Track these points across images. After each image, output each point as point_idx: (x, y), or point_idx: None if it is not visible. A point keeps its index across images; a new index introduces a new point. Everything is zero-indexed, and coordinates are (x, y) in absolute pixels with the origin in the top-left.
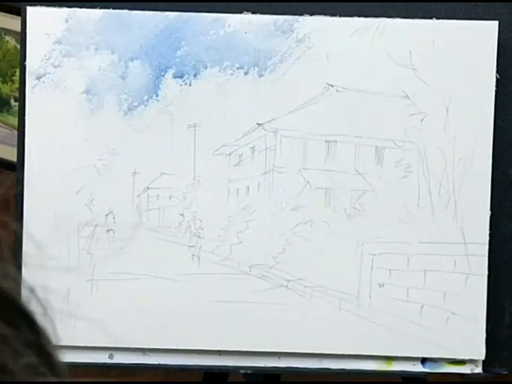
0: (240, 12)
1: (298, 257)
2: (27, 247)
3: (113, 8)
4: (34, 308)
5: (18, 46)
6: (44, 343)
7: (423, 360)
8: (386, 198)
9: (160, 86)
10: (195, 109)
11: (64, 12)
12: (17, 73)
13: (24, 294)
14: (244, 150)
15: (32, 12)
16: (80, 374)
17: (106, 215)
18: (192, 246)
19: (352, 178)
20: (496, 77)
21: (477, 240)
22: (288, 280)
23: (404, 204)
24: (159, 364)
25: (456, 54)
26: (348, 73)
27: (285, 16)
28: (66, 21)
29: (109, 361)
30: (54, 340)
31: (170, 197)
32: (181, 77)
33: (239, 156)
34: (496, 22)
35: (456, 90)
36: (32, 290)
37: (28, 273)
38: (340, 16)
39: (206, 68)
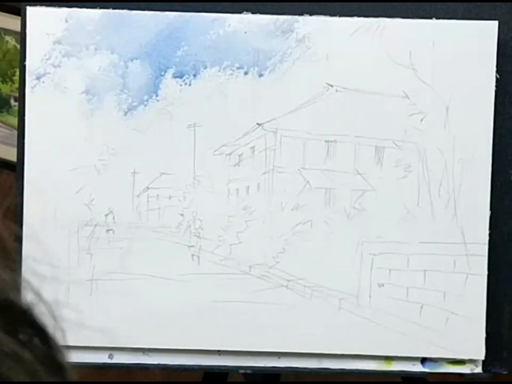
0: (240, 12)
1: (298, 257)
2: (27, 250)
3: (113, 8)
4: (43, 315)
5: (18, 46)
6: (56, 355)
7: (423, 360)
8: (386, 198)
9: (160, 86)
10: (195, 109)
11: (64, 12)
12: (17, 73)
13: (31, 299)
14: (244, 150)
15: (32, 11)
16: (80, 374)
17: (106, 215)
18: (192, 246)
19: (352, 178)
20: (496, 77)
21: (476, 240)
22: (288, 280)
23: (404, 204)
24: (159, 364)
25: (456, 54)
26: (347, 73)
27: (285, 16)
28: (66, 21)
29: (109, 361)
30: (64, 350)
31: (170, 197)
32: (181, 77)
33: (239, 156)
34: (496, 22)
35: (456, 90)
36: (39, 295)
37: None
38: (340, 16)
39: (206, 67)
